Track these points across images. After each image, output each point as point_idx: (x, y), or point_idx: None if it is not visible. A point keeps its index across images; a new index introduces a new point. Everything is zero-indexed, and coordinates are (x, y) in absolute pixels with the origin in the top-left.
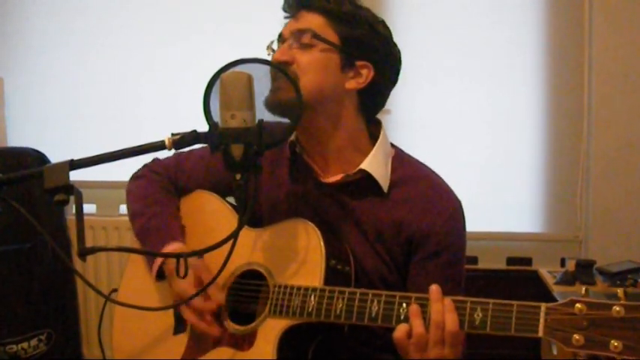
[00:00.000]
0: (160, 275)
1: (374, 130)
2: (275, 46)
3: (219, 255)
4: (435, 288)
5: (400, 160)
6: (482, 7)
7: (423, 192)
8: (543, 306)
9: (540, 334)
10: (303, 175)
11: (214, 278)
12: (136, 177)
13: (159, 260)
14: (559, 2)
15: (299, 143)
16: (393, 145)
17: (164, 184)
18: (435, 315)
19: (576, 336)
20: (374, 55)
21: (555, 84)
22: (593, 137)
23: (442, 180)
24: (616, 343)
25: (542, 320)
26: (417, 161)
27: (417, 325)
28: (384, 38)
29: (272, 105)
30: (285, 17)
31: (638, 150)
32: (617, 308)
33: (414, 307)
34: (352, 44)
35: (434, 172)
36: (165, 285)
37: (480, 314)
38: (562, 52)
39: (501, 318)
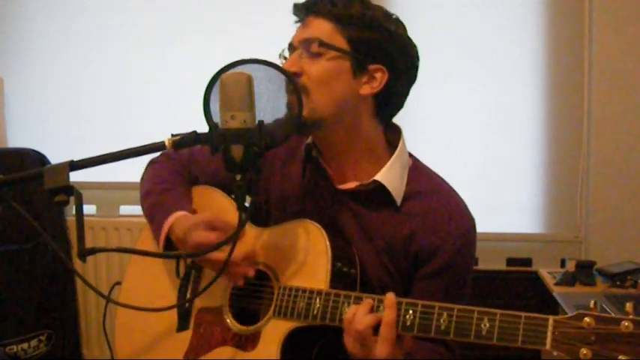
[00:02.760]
0: (168, 247)
1: (392, 137)
2: (287, 54)
3: (226, 249)
4: (389, 296)
5: (417, 171)
6: (483, 7)
7: (437, 207)
8: (551, 319)
9: (548, 347)
10: (317, 178)
11: (215, 278)
12: (152, 162)
13: (165, 229)
14: (559, 2)
15: (316, 147)
16: (410, 155)
17: (177, 168)
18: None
19: (584, 350)
20: (387, 56)
21: (555, 84)
22: (593, 137)
23: (458, 196)
24: (624, 359)
25: (549, 333)
26: (435, 174)
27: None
28: (396, 38)
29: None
30: (296, 22)
31: (638, 150)
32: (626, 323)
33: (369, 301)
34: (362, 48)
35: (451, 188)
36: (169, 283)
37: (487, 324)
38: (562, 52)
39: (508, 329)
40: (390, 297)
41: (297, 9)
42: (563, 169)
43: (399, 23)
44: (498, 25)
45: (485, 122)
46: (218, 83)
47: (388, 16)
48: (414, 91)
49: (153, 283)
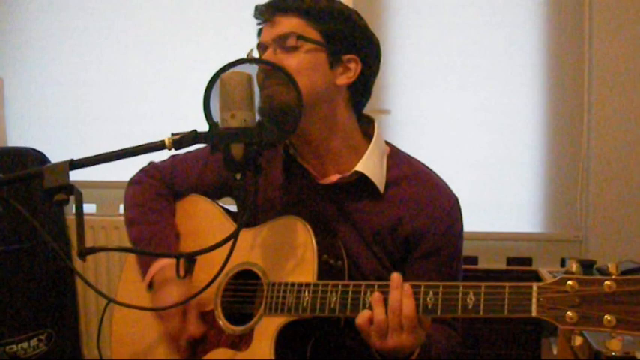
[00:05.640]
0: (152, 285)
1: (367, 128)
2: (255, 55)
3: (215, 257)
4: (395, 276)
5: (395, 158)
6: (482, 6)
7: (420, 190)
8: (535, 285)
9: (534, 313)
10: (297, 176)
11: (214, 278)
12: (133, 182)
13: (152, 272)
14: (559, 2)
15: (292, 146)
16: (387, 143)
17: (160, 189)
18: (392, 302)
19: (569, 313)
20: (357, 46)
21: (555, 84)
22: (593, 137)
23: (438, 177)
24: (609, 318)
25: (534, 300)
26: (413, 159)
27: (379, 313)
28: (363, 28)
29: (270, 111)
30: (259, 24)
31: (638, 150)
32: (609, 283)
33: (377, 295)
34: (335, 39)
35: (430, 170)
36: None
37: (473, 298)
38: (562, 52)
39: (494, 300)
40: (396, 276)
41: (262, 10)
42: (563, 169)
43: (360, 16)
44: (498, 25)
45: (485, 122)
46: (218, 82)
47: (349, 9)
48: (415, 90)
49: (145, 291)
